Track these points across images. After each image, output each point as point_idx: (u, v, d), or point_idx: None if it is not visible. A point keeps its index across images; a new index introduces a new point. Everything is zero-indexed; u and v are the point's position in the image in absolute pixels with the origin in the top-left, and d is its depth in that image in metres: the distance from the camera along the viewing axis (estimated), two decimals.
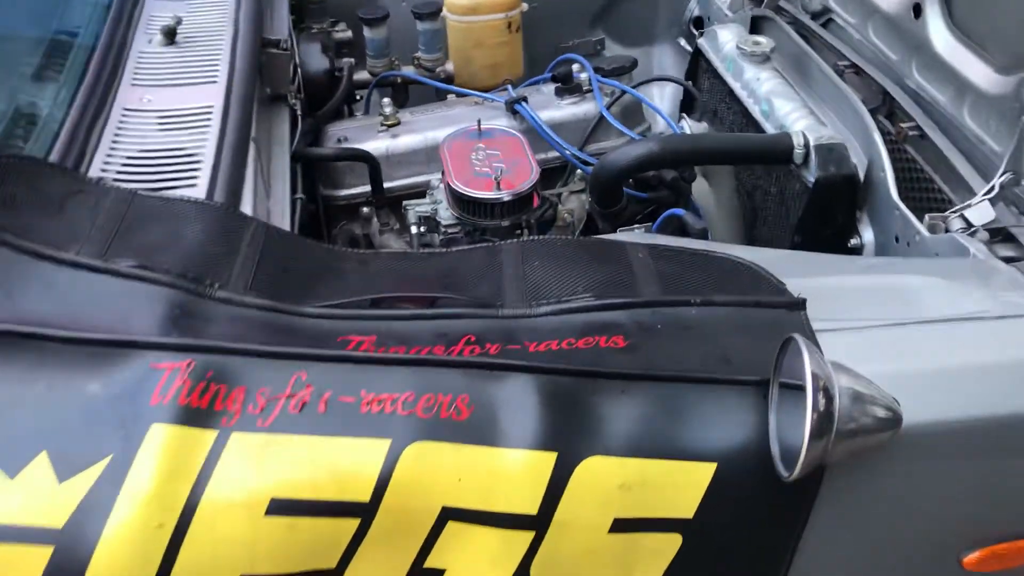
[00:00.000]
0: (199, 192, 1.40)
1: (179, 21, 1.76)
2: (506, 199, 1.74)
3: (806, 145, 1.79)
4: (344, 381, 0.98)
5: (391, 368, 1.00)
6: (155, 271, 1.08)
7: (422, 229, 1.83)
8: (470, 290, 1.20)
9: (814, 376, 0.89)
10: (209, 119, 1.56)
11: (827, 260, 1.56)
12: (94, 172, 1.37)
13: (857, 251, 1.80)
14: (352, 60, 2.32)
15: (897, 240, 1.71)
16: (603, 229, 2.03)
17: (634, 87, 2.18)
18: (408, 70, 2.40)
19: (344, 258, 1.29)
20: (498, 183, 1.72)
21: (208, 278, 1.09)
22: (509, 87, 2.21)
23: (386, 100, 2.20)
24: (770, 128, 1.96)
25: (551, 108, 2.14)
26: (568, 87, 2.13)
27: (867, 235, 1.82)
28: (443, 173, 1.81)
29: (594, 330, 1.08)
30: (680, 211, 1.69)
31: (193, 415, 0.94)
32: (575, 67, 2.25)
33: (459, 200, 1.76)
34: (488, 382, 1.00)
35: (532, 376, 1.01)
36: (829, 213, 1.83)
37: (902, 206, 1.69)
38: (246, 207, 1.45)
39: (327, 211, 2.08)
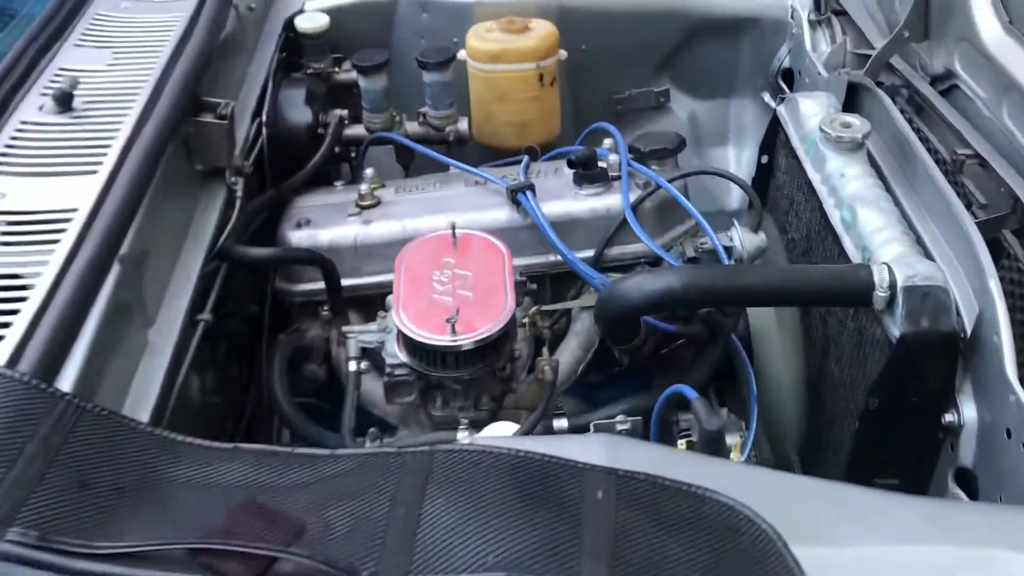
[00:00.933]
0: (6, 345, 1.03)
1: (75, 84, 1.38)
2: (464, 347, 1.31)
3: (892, 285, 1.32)
4: None
5: None
6: None
7: (362, 366, 1.42)
8: (338, 541, 0.86)
9: None
10: (62, 232, 1.18)
11: (886, 503, 1.08)
12: None
13: (952, 431, 1.32)
14: (343, 113, 1.92)
15: (1009, 435, 1.21)
16: (619, 359, 1.59)
17: (678, 178, 1.70)
18: (412, 126, 1.98)
19: (183, 456, 0.95)
20: (452, 326, 1.30)
21: None
22: (526, 158, 1.77)
23: (368, 172, 1.79)
24: (850, 244, 1.49)
25: (567, 198, 1.69)
26: (589, 174, 1.68)
27: (968, 411, 1.33)
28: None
29: None
30: (692, 393, 1.23)
31: None
32: (607, 143, 1.79)
33: (405, 340, 1.34)
34: None
35: None
36: (918, 376, 1.34)
37: (1020, 391, 1.19)
38: (71, 370, 1.08)
39: (279, 308, 1.69)
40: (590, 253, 1.68)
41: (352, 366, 1.45)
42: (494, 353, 1.34)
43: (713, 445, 1.19)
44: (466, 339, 1.30)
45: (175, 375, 1.26)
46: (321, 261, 1.57)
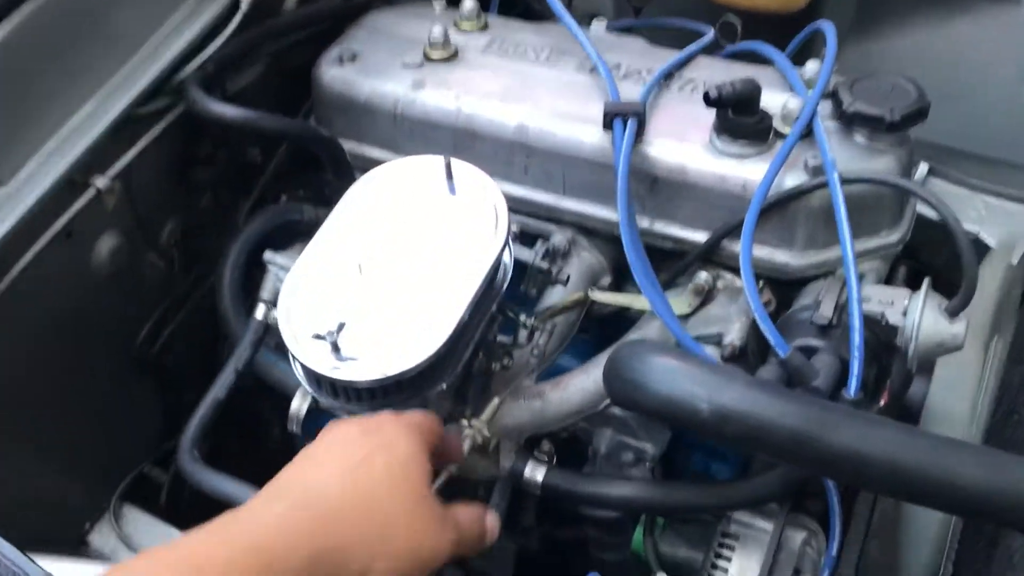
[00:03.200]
0: None
1: None
2: (359, 384, 0.86)
3: None
4: None
5: None
6: None
7: (272, 317, 1.01)
8: None
9: None
10: None
11: None
12: None
13: None
14: None
15: None
16: None
17: (877, 182, 1.02)
18: None
19: None
20: (335, 346, 0.84)
21: None
22: (700, 41, 1.16)
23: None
24: None
25: (693, 144, 1.08)
26: (738, 122, 1.05)
27: None
28: None
29: None
30: None
31: None
32: (809, 66, 1.12)
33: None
34: None
35: None
36: None
37: None
38: None
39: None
40: (699, 236, 1.10)
41: (259, 312, 1.05)
42: (415, 386, 0.88)
43: None
44: (353, 371, 0.85)
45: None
46: (323, 142, 1.12)
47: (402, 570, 0.60)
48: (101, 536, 1.28)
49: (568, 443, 1.12)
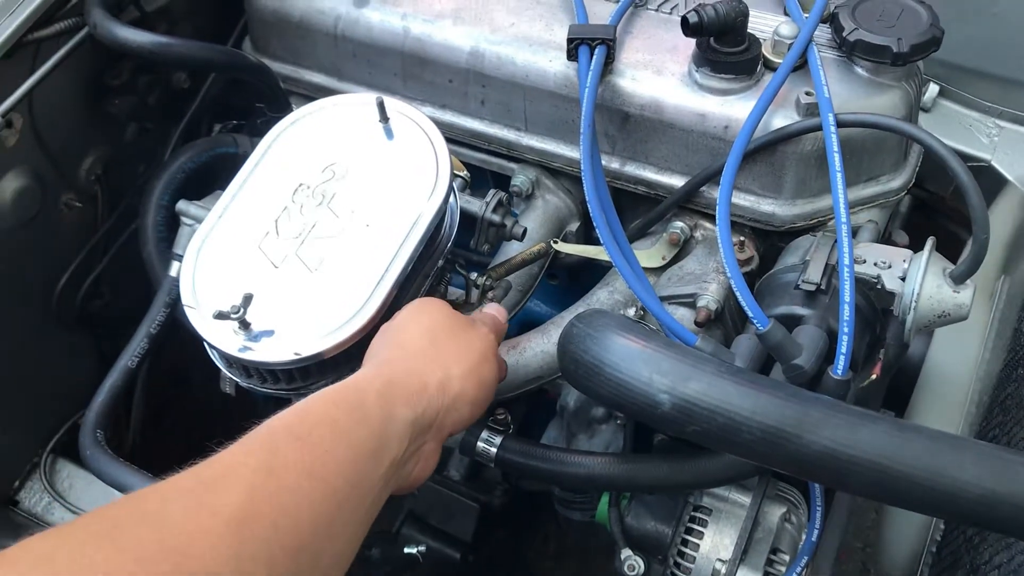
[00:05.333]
0: None
1: None
2: (273, 366, 0.75)
3: None
4: None
5: None
6: None
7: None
8: None
9: None
10: None
11: None
12: None
13: None
14: None
15: None
16: None
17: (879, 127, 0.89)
18: None
19: None
20: (243, 323, 0.73)
21: None
22: None
23: None
24: None
25: (669, 78, 0.95)
26: (720, 53, 0.91)
27: None
28: None
29: None
30: None
31: None
32: None
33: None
34: None
35: None
36: None
37: None
38: None
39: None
40: (676, 181, 0.97)
41: (174, 269, 0.93)
42: (341, 364, 0.77)
43: None
44: (265, 350, 0.74)
45: None
46: (252, 69, 0.98)
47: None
48: (31, 494, 1.19)
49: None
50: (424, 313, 0.77)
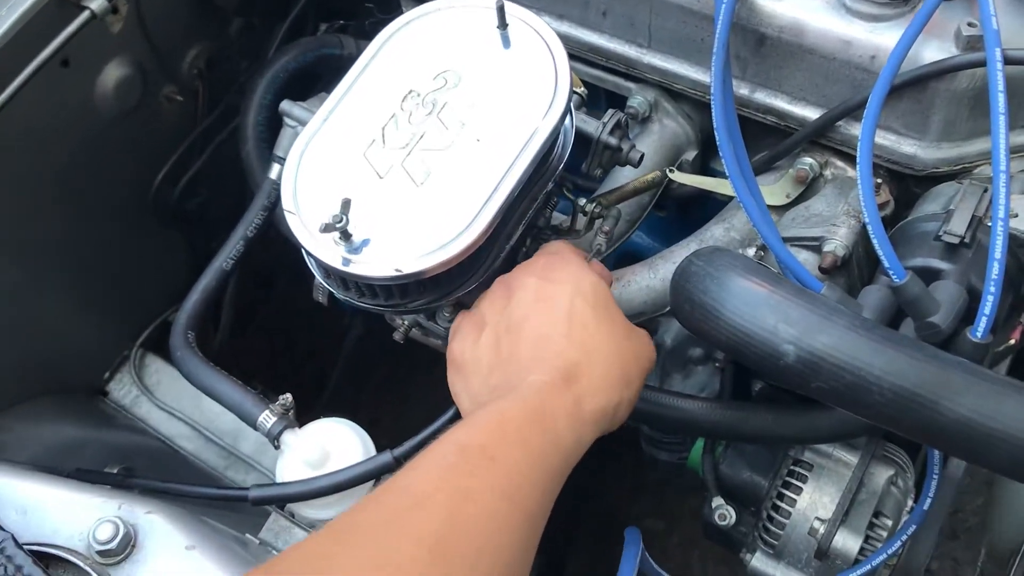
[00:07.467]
0: None
1: None
2: (372, 280, 0.71)
3: None
4: None
5: None
6: None
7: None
8: None
9: None
10: None
11: None
12: None
13: None
14: None
15: None
16: None
17: None
18: None
19: None
20: (344, 233, 0.69)
21: None
22: None
23: None
24: None
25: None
26: None
27: None
28: None
29: None
30: None
31: None
32: None
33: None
34: None
35: None
36: None
37: None
38: None
39: None
40: (810, 113, 0.90)
41: (274, 171, 0.90)
42: (443, 284, 0.73)
43: None
44: (366, 264, 0.70)
45: None
46: None
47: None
48: (121, 386, 1.20)
49: None
50: (590, 291, 0.71)
